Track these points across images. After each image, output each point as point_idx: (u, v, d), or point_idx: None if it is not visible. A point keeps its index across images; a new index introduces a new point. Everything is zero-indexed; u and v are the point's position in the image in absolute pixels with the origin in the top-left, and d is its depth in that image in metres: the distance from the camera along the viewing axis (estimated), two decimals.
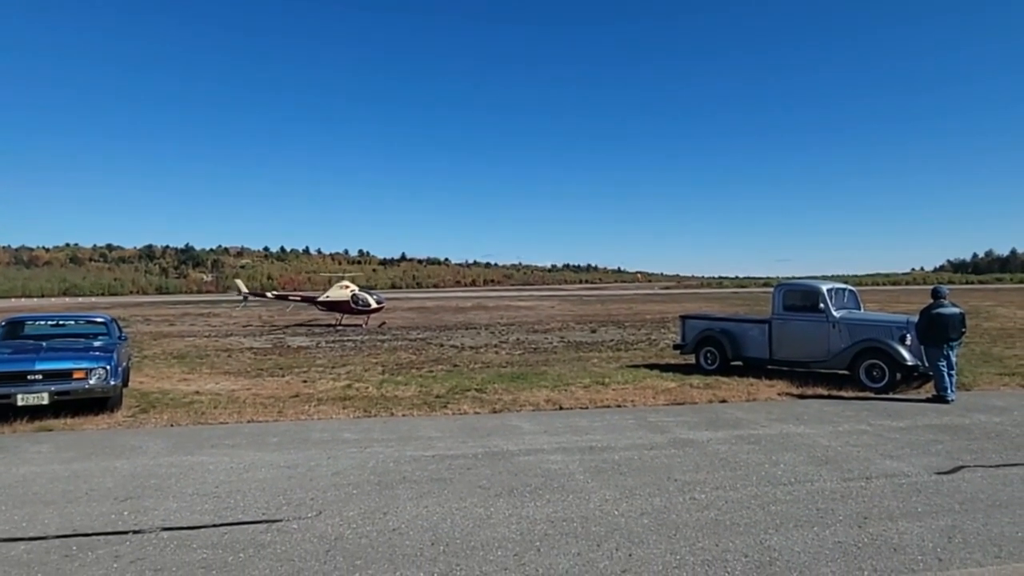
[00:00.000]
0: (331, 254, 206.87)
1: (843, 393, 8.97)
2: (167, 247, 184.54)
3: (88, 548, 3.81)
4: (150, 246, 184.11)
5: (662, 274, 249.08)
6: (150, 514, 4.39)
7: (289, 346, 18.27)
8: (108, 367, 7.80)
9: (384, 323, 27.36)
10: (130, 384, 10.21)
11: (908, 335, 9.17)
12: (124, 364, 9.34)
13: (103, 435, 6.94)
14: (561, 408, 8.30)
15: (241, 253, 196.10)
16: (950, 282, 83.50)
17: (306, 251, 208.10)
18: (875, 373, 9.27)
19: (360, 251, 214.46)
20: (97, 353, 8.18)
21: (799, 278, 11.57)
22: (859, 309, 10.65)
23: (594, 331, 22.11)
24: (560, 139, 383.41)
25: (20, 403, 7.30)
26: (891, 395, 8.93)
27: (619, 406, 8.39)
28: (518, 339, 19.43)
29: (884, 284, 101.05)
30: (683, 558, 3.59)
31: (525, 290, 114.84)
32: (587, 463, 5.62)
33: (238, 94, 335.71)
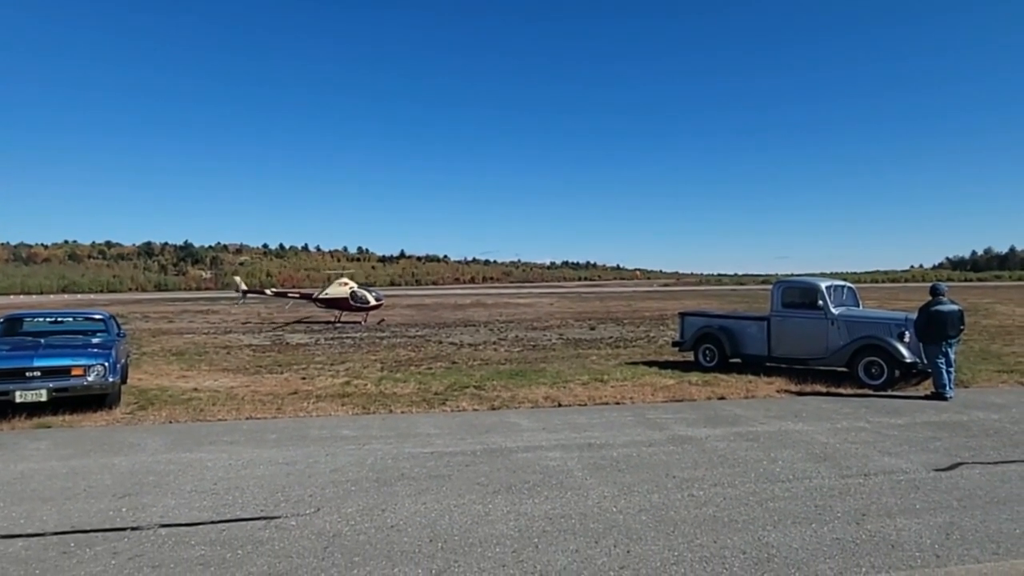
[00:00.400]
0: (330, 251, 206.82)
1: (841, 390, 8.98)
2: (166, 244, 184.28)
3: (86, 545, 3.81)
4: (149, 243, 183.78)
5: (661, 271, 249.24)
6: (148, 511, 4.39)
7: (288, 343, 18.27)
8: (107, 364, 7.79)
9: (383, 320, 27.35)
10: (129, 381, 10.20)
11: (907, 332, 9.17)
12: (123, 361, 9.34)
13: (101, 432, 6.93)
14: (560, 405, 8.30)
15: (240, 250, 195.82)
16: (949, 280, 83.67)
17: (305, 248, 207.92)
18: (874, 370, 9.28)
19: (359, 248, 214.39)
20: (95, 350, 8.17)
21: (798, 275, 11.60)
22: (858, 306, 10.65)
23: (593, 328, 22.13)
24: (559, 136, 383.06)
25: (19, 400, 7.29)
26: (889, 392, 8.94)
27: (618, 403, 8.39)
28: (517, 336, 19.43)
29: (883, 281, 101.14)
30: (681, 554, 3.60)
31: (524, 287, 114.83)
32: (585, 460, 5.63)
33: (237, 91, 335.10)
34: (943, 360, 8.45)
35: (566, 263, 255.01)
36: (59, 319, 10.36)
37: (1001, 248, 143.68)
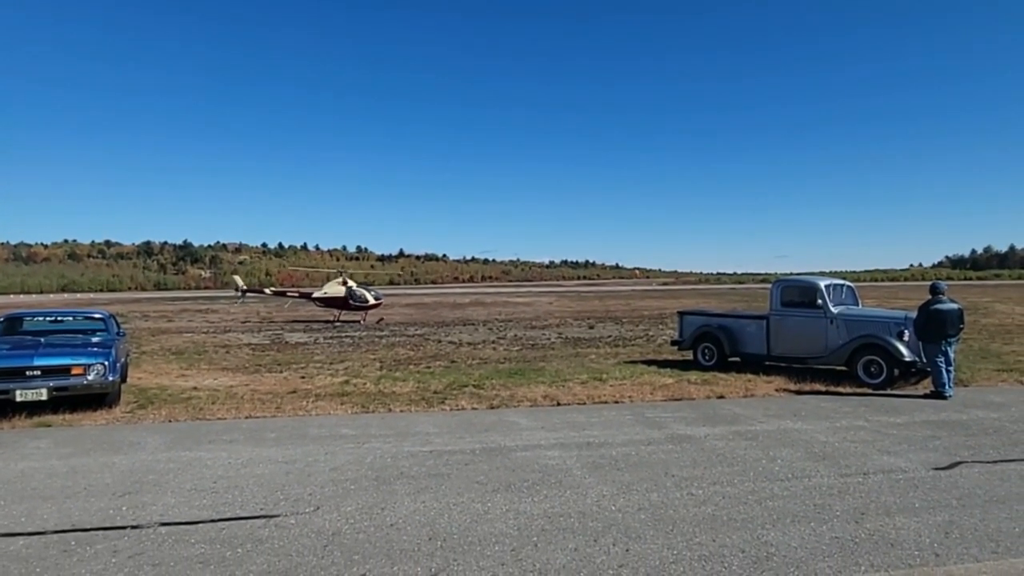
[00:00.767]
0: (329, 250, 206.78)
1: (841, 389, 8.99)
2: (165, 243, 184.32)
3: (86, 543, 3.81)
4: (148, 242, 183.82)
5: (660, 270, 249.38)
6: (148, 509, 4.39)
7: (287, 342, 18.26)
8: (106, 363, 7.79)
9: (382, 319, 27.34)
10: (128, 380, 10.20)
11: (906, 331, 9.17)
12: (122, 360, 9.33)
13: (101, 431, 6.94)
14: (559, 404, 8.30)
15: (239, 249, 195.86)
16: (948, 278, 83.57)
17: (304, 247, 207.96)
18: (873, 369, 9.28)
19: (358, 247, 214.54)
20: (95, 349, 8.17)
21: (797, 274, 11.58)
22: (857, 305, 10.65)
23: (592, 327, 22.13)
24: (559, 136, 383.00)
25: (19, 399, 7.29)
26: (889, 391, 8.94)
27: (616, 402, 8.39)
28: (516, 335, 19.43)
29: (882, 280, 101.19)
30: (680, 553, 3.60)
31: (523, 286, 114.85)
32: (584, 459, 5.63)
33: (236, 90, 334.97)
34: (942, 359, 8.45)
35: (565, 262, 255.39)
36: (59, 318, 10.37)
37: (1001, 247, 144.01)
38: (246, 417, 7.64)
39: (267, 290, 36.03)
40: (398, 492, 4.75)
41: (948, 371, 8.45)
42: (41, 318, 10.30)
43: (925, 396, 8.50)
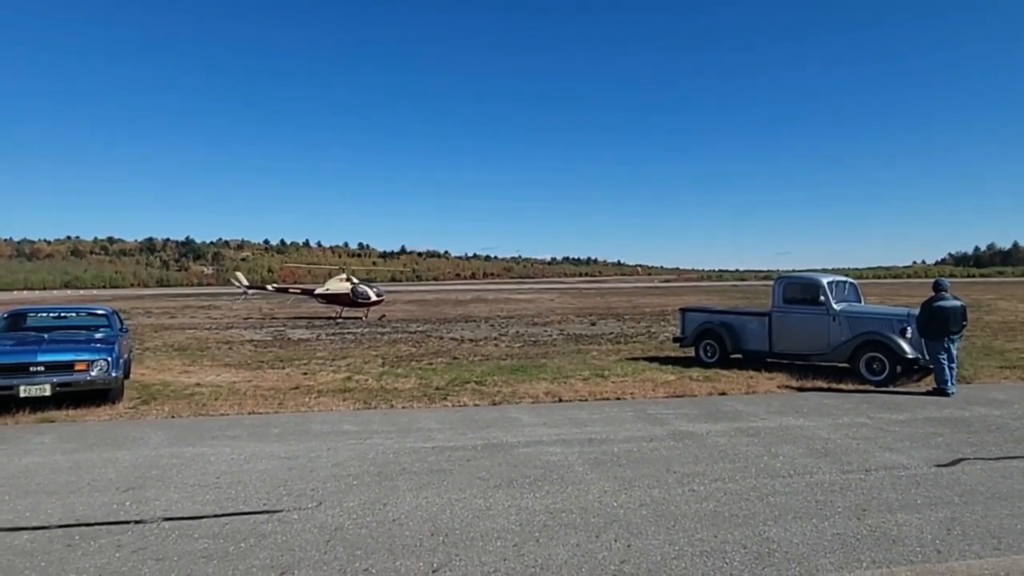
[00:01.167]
0: (331, 247, 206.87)
1: (843, 386, 8.98)
2: (168, 240, 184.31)
3: (90, 538, 3.83)
4: (151, 239, 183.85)
5: (662, 267, 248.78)
6: (152, 504, 4.41)
7: (289, 338, 18.30)
8: (110, 359, 7.82)
9: (384, 316, 27.37)
10: (131, 376, 10.23)
11: (908, 328, 9.16)
12: (125, 356, 9.36)
13: (105, 426, 6.97)
14: (560, 400, 8.31)
15: (241, 246, 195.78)
16: (951, 275, 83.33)
17: (306, 244, 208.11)
18: (875, 366, 9.27)
19: (360, 244, 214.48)
20: (99, 345, 8.20)
21: (799, 271, 11.54)
22: (859, 302, 10.63)
23: (594, 324, 22.13)
24: (560, 132, 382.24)
25: (23, 395, 7.33)
26: (891, 388, 8.94)
27: (618, 398, 8.40)
28: (518, 332, 19.45)
29: (885, 277, 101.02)
30: (682, 549, 3.61)
31: (525, 283, 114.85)
32: (586, 455, 5.64)
33: (238, 87, 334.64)
34: (945, 356, 8.44)
35: (567, 259, 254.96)
36: (62, 314, 10.41)
37: (1004, 244, 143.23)
38: (249, 413, 7.66)
39: (269, 287, 36.10)
40: (400, 488, 4.76)
41: (951, 368, 8.45)
42: (44, 314, 10.34)
43: (927, 393, 8.49)
